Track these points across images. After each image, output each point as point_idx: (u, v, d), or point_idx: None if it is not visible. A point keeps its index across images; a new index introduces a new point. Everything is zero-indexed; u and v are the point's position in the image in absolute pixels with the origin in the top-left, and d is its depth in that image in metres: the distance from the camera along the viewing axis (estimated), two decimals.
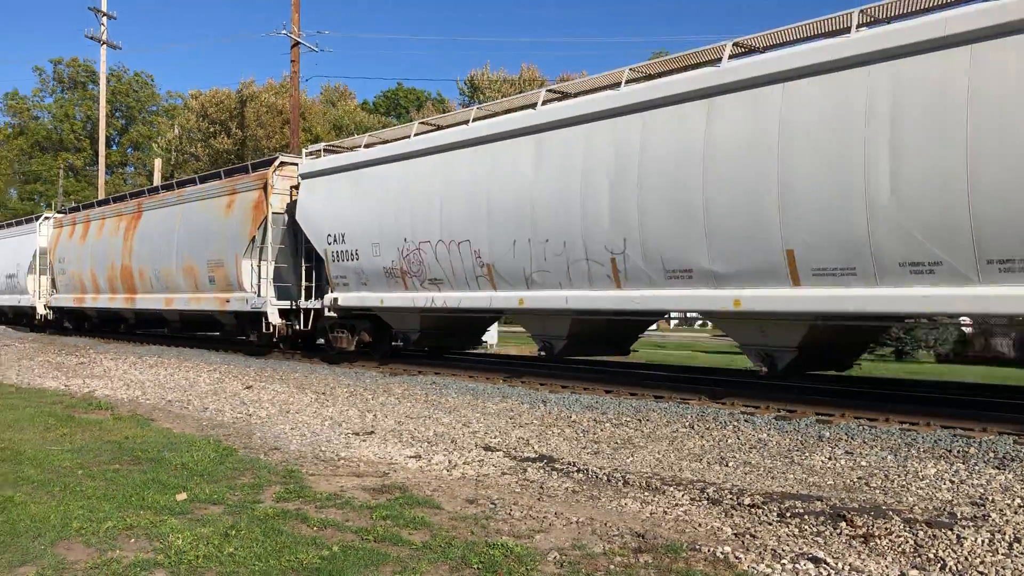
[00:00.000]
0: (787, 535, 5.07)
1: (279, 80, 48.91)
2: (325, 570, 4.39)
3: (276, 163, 17.78)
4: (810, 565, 4.45)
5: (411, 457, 7.53)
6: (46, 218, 30.28)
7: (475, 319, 15.73)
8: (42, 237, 29.65)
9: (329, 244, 16.03)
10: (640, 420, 9.39)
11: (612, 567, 4.45)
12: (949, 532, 4.97)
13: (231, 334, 21.47)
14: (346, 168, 15.96)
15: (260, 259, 17.96)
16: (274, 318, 17.41)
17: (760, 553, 4.68)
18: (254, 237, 17.87)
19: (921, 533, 4.98)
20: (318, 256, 16.70)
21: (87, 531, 5.08)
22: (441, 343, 16.55)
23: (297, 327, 17.58)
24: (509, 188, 12.62)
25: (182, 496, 5.92)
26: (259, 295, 17.83)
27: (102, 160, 42.65)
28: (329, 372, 14.90)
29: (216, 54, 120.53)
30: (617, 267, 11.16)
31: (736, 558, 4.58)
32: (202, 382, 13.80)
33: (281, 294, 17.68)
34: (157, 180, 39.27)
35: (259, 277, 17.91)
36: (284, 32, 30.44)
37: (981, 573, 4.35)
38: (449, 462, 7.31)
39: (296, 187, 17.47)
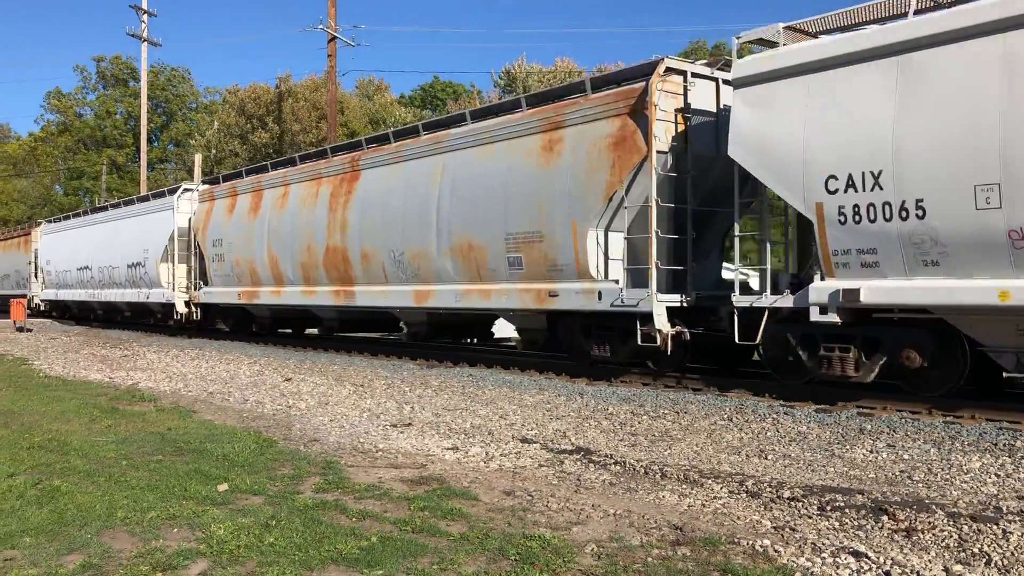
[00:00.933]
0: (827, 529, 5.01)
1: (320, 75, 49.33)
2: (364, 560, 4.43)
3: (661, 69, 11.12)
4: (851, 559, 4.40)
5: (448, 449, 7.57)
6: (186, 190, 23.87)
7: None
8: (181, 215, 23.38)
9: (830, 193, 9.38)
10: (678, 412, 9.34)
11: (650, 560, 4.44)
12: (995, 527, 4.88)
13: (531, 343, 14.59)
14: (880, 52, 9.06)
15: (609, 228, 11.80)
16: (662, 322, 10.88)
17: (800, 546, 4.63)
18: (612, 194, 11.53)
19: (965, 528, 4.90)
20: (742, 213, 10.64)
21: (131, 521, 5.18)
22: None
23: (685, 336, 11.00)
24: None
25: (223, 487, 6.01)
26: (619, 284, 11.50)
27: (143, 156, 43.36)
28: (367, 364, 15.00)
29: (253, 50, 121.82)
30: None
31: (775, 551, 4.54)
32: (242, 374, 13.99)
33: (665, 282, 11.32)
34: (197, 176, 39.72)
35: (607, 256, 11.84)
36: (321, 27, 30.68)
37: None
38: (486, 454, 7.33)
39: (683, 109, 11.38)
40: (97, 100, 75.63)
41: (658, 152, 11.03)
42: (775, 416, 8.90)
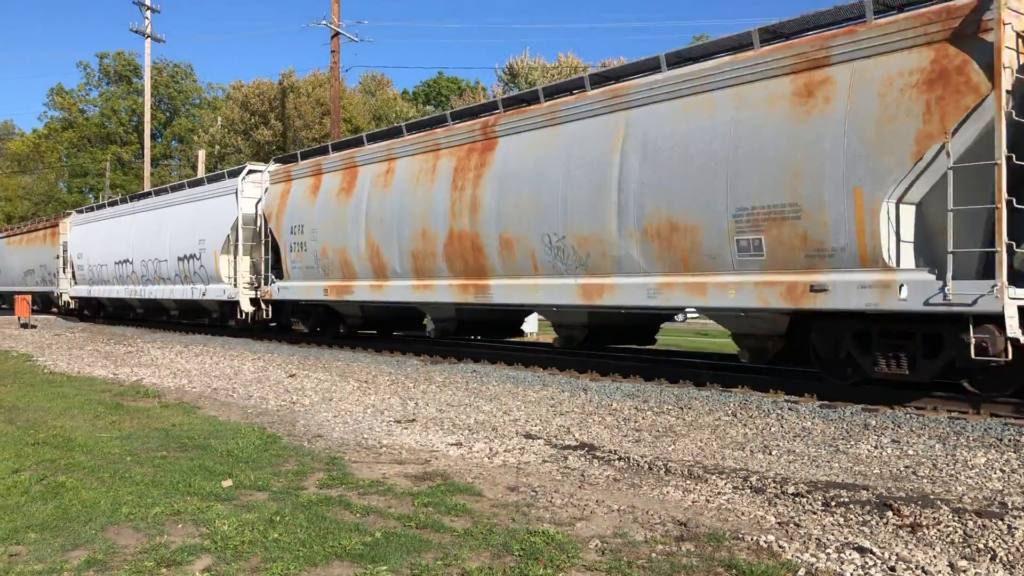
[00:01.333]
0: (832, 524, 5.00)
1: (323, 71, 49.31)
2: (368, 556, 4.43)
3: None
4: (856, 555, 4.39)
5: (452, 445, 7.57)
6: (252, 171, 20.65)
7: None
8: (247, 199, 20.29)
9: None
10: (682, 408, 9.33)
11: (654, 555, 4.43)
12: (1000, 522, 4.87)
13: (758, 352, 10.63)
14: None
15: (903, 198, 8.72)
16: (1014, 327, 7.94)
17: (804, 542, 4.63)
18: (924, 151, 8.32)
19: (971, 523, 4.89)
20: None
21: (136, 516, 5.18)
22: None
23: None
24: None
25: (228, 483, 6.01)
26: (934, 275, 8.34)
27: (147, 152, 43.36)
28: (371, 360, 15.00)
29: (256, 46, 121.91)
30: None
31: (780, 547, 4.53)
32: (246, 370, 14.00)
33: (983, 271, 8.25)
34: (201, 172, 39.72)
35: (899, 237, 8.81)
36: (324, 23, 30.67)
37: None
38: (490, 450, 7.33)
39: None
40: (100, 97, 75.81)
41: (1006, 91, 7.87)
42: (779, 412, 8.88)
